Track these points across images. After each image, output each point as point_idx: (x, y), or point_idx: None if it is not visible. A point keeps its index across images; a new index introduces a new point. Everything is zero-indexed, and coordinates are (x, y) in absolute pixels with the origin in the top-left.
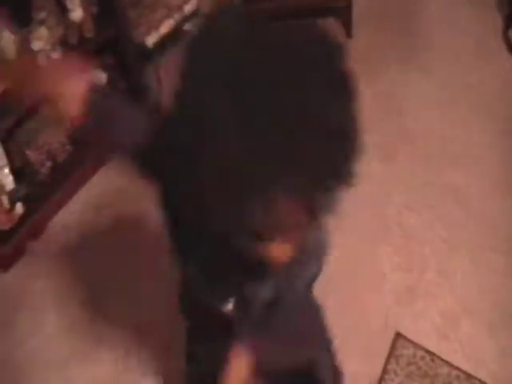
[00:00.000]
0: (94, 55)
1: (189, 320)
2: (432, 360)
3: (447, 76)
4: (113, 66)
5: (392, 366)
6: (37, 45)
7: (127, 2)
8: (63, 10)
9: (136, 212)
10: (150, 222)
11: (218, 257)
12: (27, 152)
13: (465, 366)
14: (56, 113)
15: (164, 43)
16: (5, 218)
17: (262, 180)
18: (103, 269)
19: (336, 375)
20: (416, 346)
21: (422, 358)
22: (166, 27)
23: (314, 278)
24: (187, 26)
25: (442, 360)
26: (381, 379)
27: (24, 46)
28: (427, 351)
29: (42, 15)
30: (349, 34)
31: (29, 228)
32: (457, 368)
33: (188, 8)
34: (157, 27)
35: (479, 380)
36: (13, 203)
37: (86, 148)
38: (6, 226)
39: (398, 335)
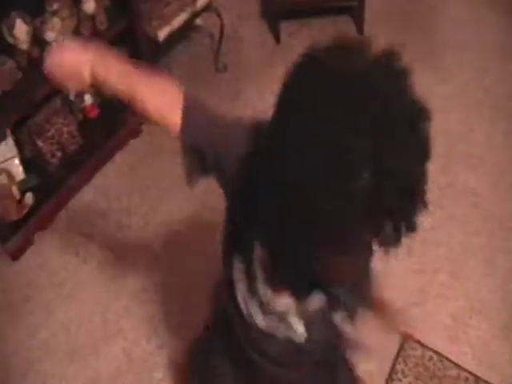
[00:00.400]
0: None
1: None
2: (441, 361)
3: (464, 77)
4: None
5: (400, 366)
6: (49, 35)
7: None
8: (76, 2)
9: (145, 206)
10: (159, 215)
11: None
12: (38, 142)
13: (474, 369)
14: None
15: (176, 37)
16: (15, 208)
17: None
18: (113, 259)
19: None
20: (424, 347)
21: (431, 358)
22: (178, 21)
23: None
24: (199, 21)
25: (451, 362)
26: (389, 379)
27: (37, 36)
28: (436, 352)
29: (55, 6)
30: (360, 32)
31: (38, 218)
32: (466, 370)
33: (200, 2)
34: (169, 21)
35: (489, 383)
36: (22, 194)
37: (96, 139)
38: (16, 217)
39: (407, 336)
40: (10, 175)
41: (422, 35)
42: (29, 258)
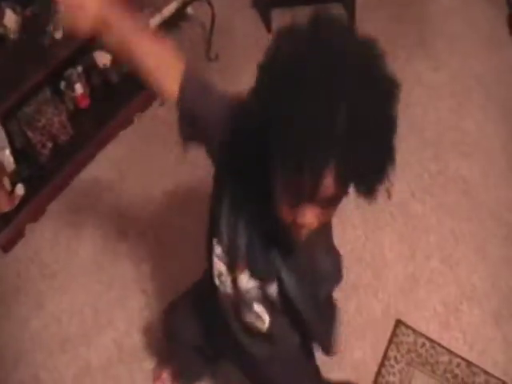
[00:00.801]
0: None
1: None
2: (433, 347)
3: (455, 65)
4: None
5: (393, 352)
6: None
7: None
8: None
9: (137, 195)
10: (152, 203)
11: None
12: (28, 133)
13: (466, 354)
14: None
15: (167, 26)
16: (6, 200)
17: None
18: (105, 250)
19: None
20: (417, 333)
21: (423, 345)
22: (169, 10)
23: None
24: (190, 10)
25: (443, 348)
26: (381, 365)
27: (26, 25)
28: (428, 338)
29: None
30: (352, 20)
31: (29, 210)
32: (458, 356)
33: None
34: (160, 9)
35: (481, 368)
36: (14, 185)
37: (87, 129)
38: (7, 209)
39: (399, 322)
40: (0, 166)
41: (414, 23)
42: (20, 249)
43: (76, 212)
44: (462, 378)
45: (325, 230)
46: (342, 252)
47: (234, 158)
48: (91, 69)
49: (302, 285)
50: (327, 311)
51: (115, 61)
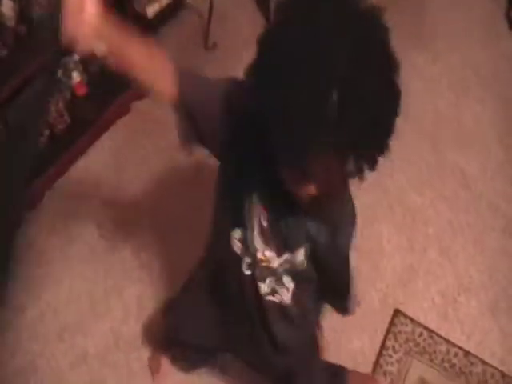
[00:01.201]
0: None
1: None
2: (431, 337)
3: (454, 58)
4: None
5: (391, 342)
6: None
7: None
8: None
9: (134, 183)
10: (150, 191)
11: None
12: None
13: (464, 345)
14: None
15: (165, 15)
16: None
17: (326, 134)
18: (102, 238)
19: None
20: (415, 323)
21: (421, 334)
22: None
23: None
24: None
25: (441, 337)
26: (379, 355)
27: (24, 13)
28: (426, 328)
29: None
30: None
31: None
32: (456, 345)
33: None
34: None
35: (478, 358)
36: None
37: (85, 118)
38: None
39: (397, 312)
40: None
41: (412, 16)
42: (17, 237)
43: (73, 200)
44: (460, 368)
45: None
46: None
47: (236, 140)
48: (90, 57)
49: (330, 238)
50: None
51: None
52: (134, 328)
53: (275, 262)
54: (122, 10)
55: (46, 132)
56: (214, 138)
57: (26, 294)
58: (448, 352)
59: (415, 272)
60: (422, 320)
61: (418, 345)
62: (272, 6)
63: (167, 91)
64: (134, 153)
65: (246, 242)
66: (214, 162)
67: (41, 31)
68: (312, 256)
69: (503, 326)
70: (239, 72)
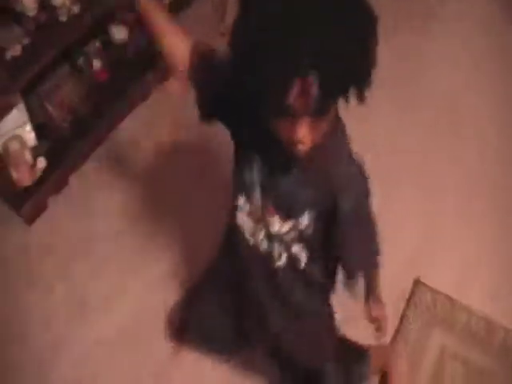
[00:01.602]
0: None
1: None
2: (451, 305)
3: (453, 46)
4: (133, 22)
5: (411, 311)
6: (57, 0)
7: None
8: None
9: (154, 165)
10: (168, 175)
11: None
12: (48, 108)
13: (485, 313)
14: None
15: (179, 2)
16: (27, 174)
17: (305, 65)
18: (127, 219)
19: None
20: (434, 291)
21: (441, 303)
22: None
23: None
24: None
25: (461, 305)
26: (400, 324)
27: (44, 2)
28: (446, 297)
29: None
30: None
31: (51, 183)
32: (476, 313)
33: None
34: None
35: (500, 325)
36: (35, 158)
37: (106, 103)
38: (30, 182)
39: (417, 282)
40: (22, 141)
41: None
42: (43, 222)
43: (97, 184)
44: (481, 335)
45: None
46: None
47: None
48: (108, 43)
49: (332, 201)
50: (368, 225)
51: (132, 35)
52: (153, 311)
53: (281, 228)
54: None
55: (69, 117)
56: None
57: (53, 274)
58: (469, 320)
59: (434, 241)
60: (441, 289)
61: (438, 313)
62: None
63: (181, 58)
64: (155, 137)
65: (250, 208)
66: None
67: None
68: (322, 222)
69: None
70: None
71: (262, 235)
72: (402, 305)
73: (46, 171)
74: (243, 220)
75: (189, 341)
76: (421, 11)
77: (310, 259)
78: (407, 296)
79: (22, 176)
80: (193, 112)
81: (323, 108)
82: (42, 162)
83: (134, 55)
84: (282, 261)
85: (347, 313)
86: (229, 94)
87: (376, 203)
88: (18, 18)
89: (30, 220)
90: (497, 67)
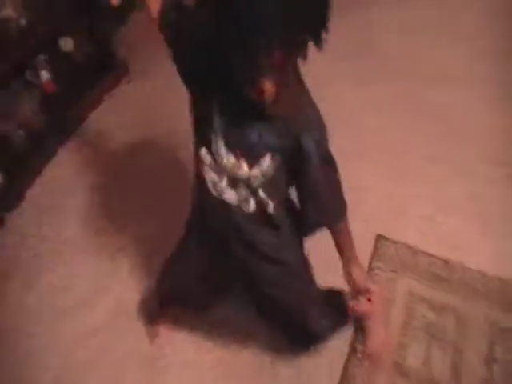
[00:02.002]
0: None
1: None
2: (413, 253)
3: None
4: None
5: (377, 263)
6: (4, 14)
7: None
8: None
9: (112, 171)
10: (127, 176)
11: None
12: (1, 123)
13: (446, 256)
14: None
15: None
16: None
17: (268, 32)
18: (86, 225)
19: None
20: (396, 243)
21: (403, 252)
22: None
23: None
24: None
25: (423, 252)
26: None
27: None
28: (407, 246)
29: None
30: None
31: (7, 198)
32: (437, 257)
33: None
34: None
35: (457, 264)
36: None
37: (58, 114)
38: None
39: (380, 236)
40: None
41: None
42: (4, 235)
43: (53, 196)
44: (443, 276)
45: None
46: None
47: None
48: (56, 54)
49: (295, 143)
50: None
51: (79, 45)
52: (132, 301)
53: (246, 174)
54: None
55: (23, 133)
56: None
57: (21, 284)
58: (430, 264)
59: (396, 200)
60: (403, 240)
61: (401, 262)
62: None
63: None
64: (113, 142)
65: (213, 156)
66: None
67: None
68: (287, 170)
69: (488, 239)
70: None
71: (224, 182)
72: (368, 259)
73: (2, 187)
74: (208, 173)
75: (167, 308)
76: None
77: (278, 204)
78: (371, 250)
79: None
80: (153, 111)
81: (285, 63)
82: None
83: (82, 64)
84: (251, 207)
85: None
86: (198, 44)
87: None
88: None
89: None
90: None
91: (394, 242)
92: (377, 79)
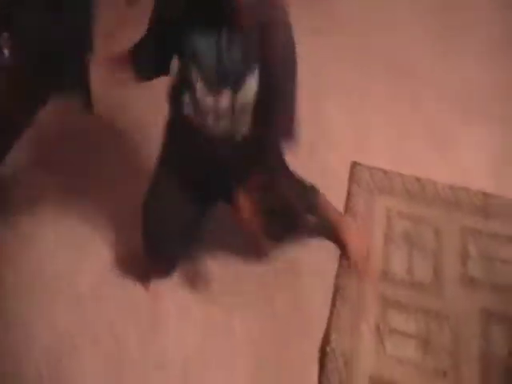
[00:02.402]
0: None
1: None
2: (387, 176)
3: None
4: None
5: (354, 188)
6: None
7: None
8: None
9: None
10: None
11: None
12: None
13: (415, 175)
14: None
15: None
16: None
17: None
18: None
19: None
20: (370, 168)
21: (378, 176)
22: None
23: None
24: None
25: (395, 173)
26: (347, 200)
27: None
28: (381, 170)
29: None
30: None
31: None
32: (409, 176)
33: None
34: None
35: (427, 180)
36: None
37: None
38: None
39: (355, 164)
40: None
41: None
42: None
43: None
44: (416, 192)
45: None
46: None
47: None
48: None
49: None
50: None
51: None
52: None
53: (228, 100)
54: None
55: None
56: None
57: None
58: (403, 183)
59: (361, 128)
60: (376, 165)
61: (377, 185)
62: None
63: None
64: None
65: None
66: None
67: None
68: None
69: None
70: None
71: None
72: (346, 186)
73: None
74: (190, 109)
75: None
76: None
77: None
78: (348, 177)
79: None
80: None
81: None
82: None
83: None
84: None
85: None
86: None
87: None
88: None
89: None
90: None
91: (368, 168)
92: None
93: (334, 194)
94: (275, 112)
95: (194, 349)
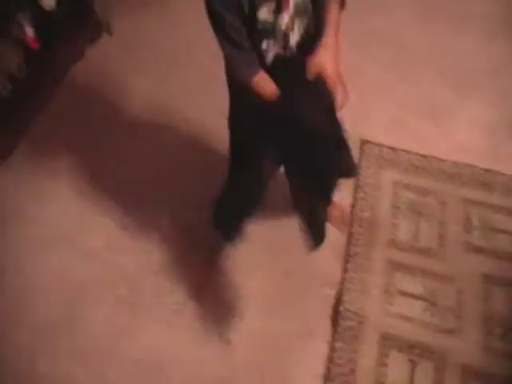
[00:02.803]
0: None
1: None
2: (394, 152)
3: None
4: None
5: (364, 163)
6: None
7: None
8: None
9: (104, 118)
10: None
11: None
12: None
13: (421, 152)
14: None
15: None
16: None
17: None
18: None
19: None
20: (379, 145)
21: (386, 152)
22: None
23: None
24: None
25: (403, 150)
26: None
27: None
28: (389, 147)
29: None
30: None
31: None
32: (415, 153)
33: None
34: None
35: (433, 157)
36: None
37: (43, 69)
38: None
39: (364, 141)
40: None
41: None
42: None
43: (43, 150)
44: (423, 166)
45: None
46: None
47: None
48: (39, 12)
49: None
50: None
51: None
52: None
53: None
54: None
55: (10, 85)
56: None
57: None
58: (410, 158)
59: (364, 107)
60: (384, 142)
61: (385, 160)
62: None
63: None
64: (97, 93)
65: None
66: None
67: None
68: None
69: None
70: None
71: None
72: (356, 159)
73: None
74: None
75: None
76: None
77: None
78: (358, 152)
79: None
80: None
81: None
82: None
83: (62, 21)
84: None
85: None
86: None
87: None
88: None
89: None
90: None
91: (377, 144)
92: None
93: None
94: None
95: (208, 301)
